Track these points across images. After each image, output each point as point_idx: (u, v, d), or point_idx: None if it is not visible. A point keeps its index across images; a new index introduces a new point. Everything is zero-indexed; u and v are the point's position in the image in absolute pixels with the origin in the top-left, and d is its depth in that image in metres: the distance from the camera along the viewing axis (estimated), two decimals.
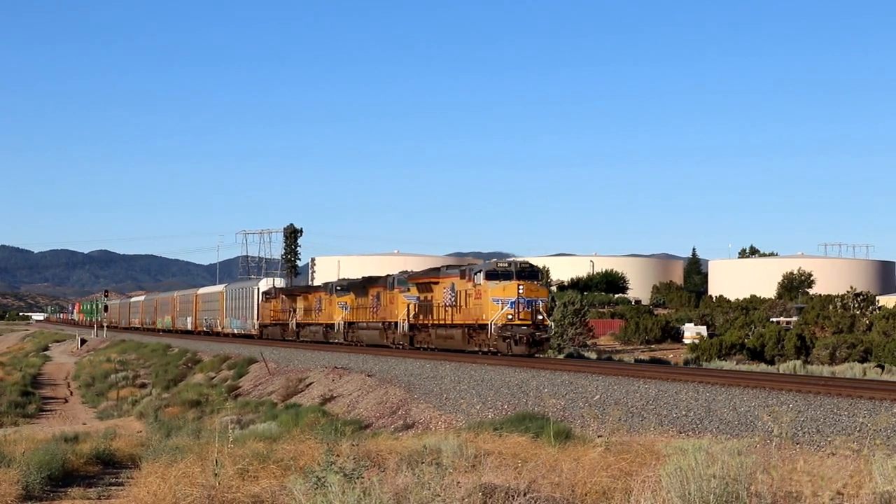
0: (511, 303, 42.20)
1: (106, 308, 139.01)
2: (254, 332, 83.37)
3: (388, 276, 56.64)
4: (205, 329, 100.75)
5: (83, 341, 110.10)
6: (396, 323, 53.38)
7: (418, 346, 51.09)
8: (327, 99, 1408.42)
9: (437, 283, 48.80)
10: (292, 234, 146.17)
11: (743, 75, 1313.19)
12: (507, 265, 43.84)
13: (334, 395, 36.72)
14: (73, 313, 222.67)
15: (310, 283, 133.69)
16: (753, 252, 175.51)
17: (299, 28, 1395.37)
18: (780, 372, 46.22)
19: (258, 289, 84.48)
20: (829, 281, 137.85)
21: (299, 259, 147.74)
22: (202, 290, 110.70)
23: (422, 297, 50.57)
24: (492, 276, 43.18)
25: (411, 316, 51.71)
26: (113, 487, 17.04)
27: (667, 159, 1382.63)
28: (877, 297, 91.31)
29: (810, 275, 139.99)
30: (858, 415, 19.94)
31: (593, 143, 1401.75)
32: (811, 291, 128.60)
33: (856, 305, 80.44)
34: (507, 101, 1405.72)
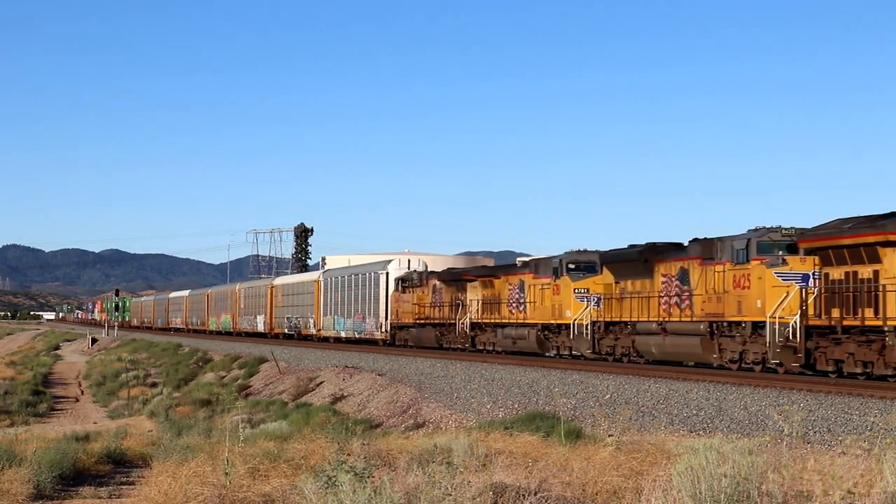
0: None
1: (117, 307, 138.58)
2: (380, 335, 60.33)
3: (713, 240, 32.33)
4: (286, 331, 78.43)
5: (94, 340, 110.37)
6: (755, 324, 29.96)
7: (824, 368, 27.62)
8: (336, 98, 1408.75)
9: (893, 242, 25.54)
10: (303, 234, 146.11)
11: (752, 73, 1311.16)
12: None
13: (345, 394, 36.75)
14: (93, 312, 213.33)
15: None
16: None
17: (309, 27, 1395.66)
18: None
19: (387, 273, 60.20)
20: None
21: (310, 258, 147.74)
22: (282, 281, 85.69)
23: (836, 276, 27.37)
24: None
25: (801, 310, 28.18)
26: (124, 487, 17.05)
27: (673, 158, 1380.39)
28: None
29: None
30: (870, 414, 19.90)
31: (601, 142, 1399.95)
32: None
33: None
34: (515, 100, 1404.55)
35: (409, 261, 61.13)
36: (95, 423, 42.64)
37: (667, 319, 34.21)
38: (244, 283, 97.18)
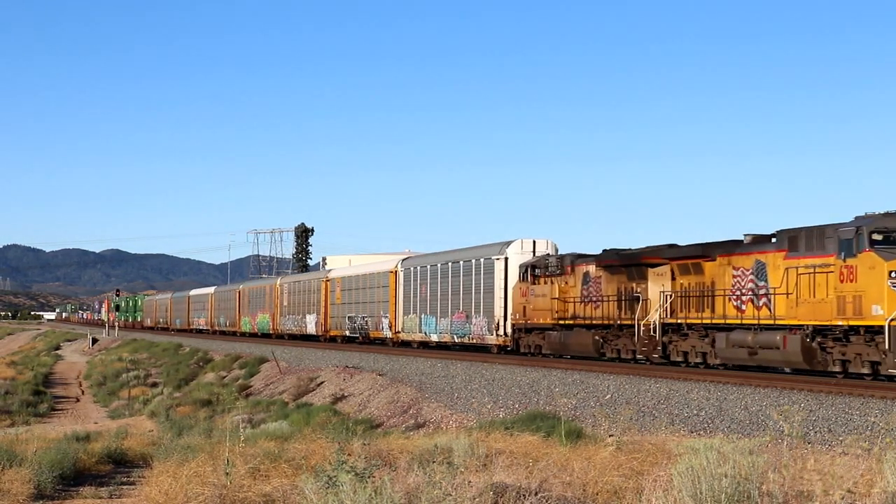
0: None
1: (118, 307, 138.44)
2: (494, 340, 46.25)
3: None
4: (348, 334, 64.13)
5: (94, 340, 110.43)
6: None
7: None
8: (336, 98, 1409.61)
9: None
10: (303, 233, 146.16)
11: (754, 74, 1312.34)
12: None
13: (345, 394, 36.76)
14: (100, 312, 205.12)
15: None
16: None
17: (309, 27, 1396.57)
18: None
19: (506, 259, 46.18)
20: None
21: (310, 258, 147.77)
22: (342, 273, 69.33)
23: None
24: None
25: None
26: (124, 487, 17.06)
27: (675, 157, 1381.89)
28: None
29: None
30: (870, 414, 19.91)
31: (602, 141, 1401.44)
32: None
33: None
34: (515, 100, 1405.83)
35: (533, 242, 46.58)
36: (96, 423, 42.66)
37: None
38: (288, 277, 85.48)
